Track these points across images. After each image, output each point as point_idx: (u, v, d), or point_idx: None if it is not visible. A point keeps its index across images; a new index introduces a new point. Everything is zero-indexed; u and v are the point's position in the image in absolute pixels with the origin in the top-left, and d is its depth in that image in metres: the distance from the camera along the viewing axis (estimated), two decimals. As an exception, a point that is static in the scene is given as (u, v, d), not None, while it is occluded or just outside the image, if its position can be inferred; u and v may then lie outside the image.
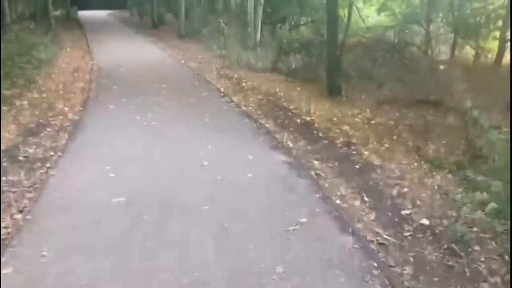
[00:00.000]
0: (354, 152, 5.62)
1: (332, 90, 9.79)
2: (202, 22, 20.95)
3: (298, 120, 7.06)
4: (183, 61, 12.92)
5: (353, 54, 11.42)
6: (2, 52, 9.77)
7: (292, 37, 19.18)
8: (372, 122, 7.55)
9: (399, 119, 7.44)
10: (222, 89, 9.02)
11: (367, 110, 8.32)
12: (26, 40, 11.83)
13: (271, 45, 16.70)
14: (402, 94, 8.96)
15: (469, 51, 12.58)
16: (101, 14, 32.04)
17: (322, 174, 4.71)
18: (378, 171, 4.86)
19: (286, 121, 6.91)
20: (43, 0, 24.32)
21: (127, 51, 14.69)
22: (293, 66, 13.18)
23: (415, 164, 5.33)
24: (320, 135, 6.32)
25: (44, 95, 7.78)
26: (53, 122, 6.13)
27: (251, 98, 8.43)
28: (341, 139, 6.16)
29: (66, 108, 6.93)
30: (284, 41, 13.14)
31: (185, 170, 4.56)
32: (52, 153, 4.89)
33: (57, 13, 27.57)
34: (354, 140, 6.21)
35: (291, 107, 8.10)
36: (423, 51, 12.22)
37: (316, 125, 6.88)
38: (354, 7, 18.70)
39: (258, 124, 6.38)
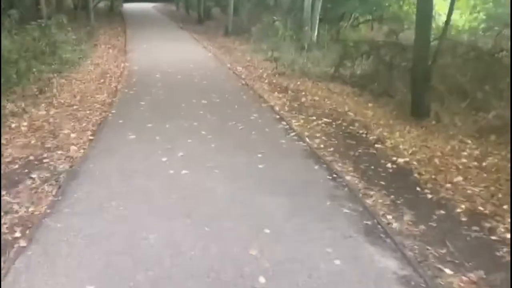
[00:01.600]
0: (494, 238, 3.50)
1: (418, 110, 7.61)
2: (251, 19, 19.04)
3: (388, 164, 4.96)
4: (228, 65, 11.03)
5: (441, 63, 9.10)
6: (17, 54, 8.26)
7: (357, 37, 17.00)
8: (484, 164, 5.35)
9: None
10: (276, 108, 7.04)
11: (469, 141, 6.15)
12: (54, 37, 10.30)
13: (329, 46, 14.61)
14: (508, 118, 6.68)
15: None
16: (146, 7, 30.84)
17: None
18: None
19: (372, 166, 4.83)
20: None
21: (167, 50, 12.99)
22: (358, 73, 11.07)
23: None
24: (429, 196, 4.21)
25: (52, 111, 6.09)
26: (45, 161, 4.37)
27: (315, 123, 6.41)
28: (462, 207, 4.04)
29: (72, 135, 5.18)
30: (350, 43, 10.94)
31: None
32: (16, 235, 3.07)
33: (101, 5, 26.52)
34: (481, 208, 4.08)
35: (371, 137, 6.02)
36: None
37: (415, 174, 4.77)
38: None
39: (333, 175, 4.33)
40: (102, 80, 8.29)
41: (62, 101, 6.67)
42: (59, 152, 4.61)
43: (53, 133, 5.23)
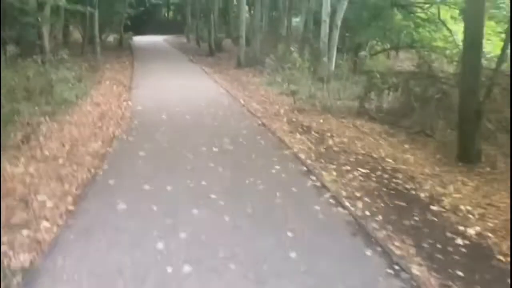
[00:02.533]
0: None
1: (467, 154, 6.44)
2: (264, 50, 18.19)
3: (458, 240, 3.74)
4: (242, 101, 9.98)
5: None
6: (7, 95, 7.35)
7: (377, 67, 15.98)
8: None
9: None
10: (301, 155, 5.89)
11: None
12: (50, 74, 9.42)
13: (348, 77, 13.58)
14: None
15: None
16: (157, 39, 30.39)
17: None
18: None
19: (438, 244, 3.61)
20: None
21: (176, 86, 12.03)
22: (385, 106, 9.98)
23: None
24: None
25: (32, 167, 5.01)
26: (2, 249, 3.23)
27: (350, 175, 5.24)
28: None
29: (48, 204, 4.07)
30: (375, 74, 9.86)
31: None
32: None
33: (110, 38, 26.10)
34: None
35: (422, 195, 4.84)
36: None
37: (497, 253, 3.55)
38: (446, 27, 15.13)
39: (394, 266, 3.11)
40: (99, 124, 7.25)
41: (48, 152, 5.60)
42: (25, 232, 3.48)
43: (25, 200, 4.12)
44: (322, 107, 9.77)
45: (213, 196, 4.23)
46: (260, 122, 7.87)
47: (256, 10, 18.57)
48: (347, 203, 4.28)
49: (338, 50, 14.67)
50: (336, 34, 14.08)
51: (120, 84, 11.95)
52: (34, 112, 7.63)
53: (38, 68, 9.78)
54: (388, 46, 19.15)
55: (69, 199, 4.18)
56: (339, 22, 13.99)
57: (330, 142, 6.85)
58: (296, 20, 22.72)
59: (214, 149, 5.91)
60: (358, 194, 4.63)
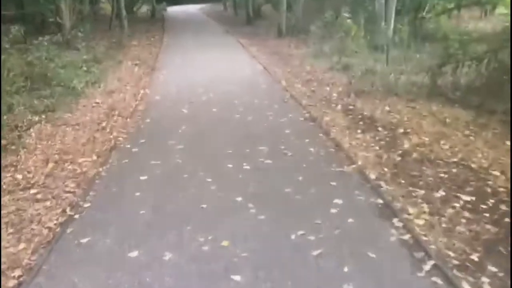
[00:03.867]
0: None
1: None
2: (308, 15, 16.03)
3: None
4: (284, 83, 8.15)
5: None
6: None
7: (440, 29, 13.57)
8: None
9: None
10: (371, 174, 4.08)
11: None
12: (53, 60, 8.00)
13: (409, 44, 11.40)
14: None
15: None
16: (192, 9, 28.66)
17: None
18: None
19: None
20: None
21: (206, 64, 10.33)
22: (462, 82, 7.91)
23: None
24: None
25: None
26: None
27: (451, 211, 3.42)
28: None
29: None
30: (454, 43, 7.72)
31: None
32: None
33: (144, 9, 24.62)
34: None
35: None
36: None
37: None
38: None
39: None
40: (103, 124, 5.72)
41: (21, 175, 4.14)
42: None
43: None
44: (384, 86, 7.79)
45: (237, 277, 2.54)
46: (307, 115, 6.06)
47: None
48: (465, 285, 2.49)
49: (396, 12, 12.36)
50: (395, -6, 11.75)
51: (143, 64, 10.41)
52: (31, 107, 6.24)
53: (45, 50, 8.35)
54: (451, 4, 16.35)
55: (16, 274, 2.64)
56: (398, -22, 11.64)
57: (406, 144, 4.97)
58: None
59: (245, 166, 4.21)
60: (475, 258, 2.82)
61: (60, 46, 9.66)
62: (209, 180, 3.89)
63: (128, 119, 5.84)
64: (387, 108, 6.54)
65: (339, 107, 6.65)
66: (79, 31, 10.34)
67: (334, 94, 7.41)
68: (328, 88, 7.85)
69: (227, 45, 13.36)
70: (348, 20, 9.58)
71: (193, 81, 8.31)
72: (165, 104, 6.68)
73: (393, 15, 11.98)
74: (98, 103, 6.88)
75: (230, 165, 4.21)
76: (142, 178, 3.98)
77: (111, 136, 5.17)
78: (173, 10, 27.12)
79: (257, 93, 7.30)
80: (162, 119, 5.86)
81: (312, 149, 4.72)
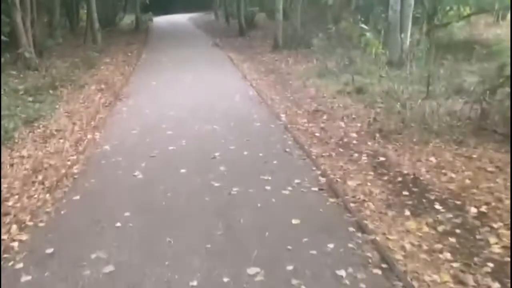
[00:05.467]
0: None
1: None
2: (307, 24, 14.13)
3: None
4: (283, 118, 6.16)
5: None
6: None
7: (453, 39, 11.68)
8: None
9: None
10: None
11: None
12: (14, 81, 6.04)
13: (428, 57, 9.45)
14: None
15: None
16: (181, 19, 26.69)
17: None
18: None
19: None
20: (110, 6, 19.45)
21: (184, 89, 8.36)
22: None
23: None
24: None
25: None
26: None
27: None
28: None
29: None
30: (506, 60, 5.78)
31: None
32: None
33: (128, 21, 22.71)
34: None
35: None
36: None
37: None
38: None
39: None
40: (8, 203, 3.66)
41: None
42: None
43: None
44: (415, 120, 5.81)
45: None
46: (322, 180, 4.03)
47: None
48: None
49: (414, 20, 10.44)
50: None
51: (109, 89, 8.41)
52: None
53: None
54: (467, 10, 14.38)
55: None
56: (415, -19, 9.71)
57: (493, 246, 2.95)
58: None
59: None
60: None
61: (18, 67, 7.69)
62: None
63: (48, 195, 3.79)
64: (432, 159, 4.58)
65: (364, 158, 4.66)
66: (43, 48, 8.33)
67: (353, 134, 5.43)
68: (342, 124, 5.88)
69: (214, 62, 11.37)
70: (368, 34, 7.54)
71: (163, 117, 6.30)
72: (113, 160, 4.64)
73: (410, 25, 10.05)
74: (23, 157, 4.85)
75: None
76: None
77: (4, 239, 3.11)
78: (160, 20, 25.20)
79: (248, 138, 5.28)
80: (98, 196, 3.80)
81: (341, 248, 2.69)
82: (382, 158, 4.65)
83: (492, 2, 12.79)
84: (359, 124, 5.82)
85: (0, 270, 2.60)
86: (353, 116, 6.19)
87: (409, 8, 9.79)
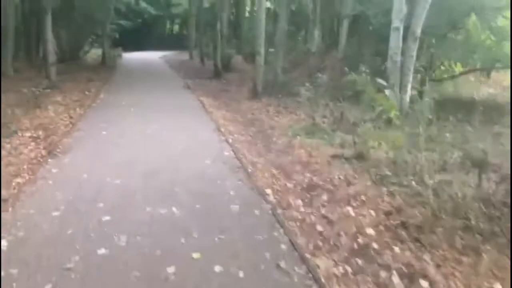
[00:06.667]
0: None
1: None
2: (289, 67, 12.89)
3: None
4: (270, 196, 4.52)
5: None
6: None
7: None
8: None
9: None
10: None
11: None
12: None
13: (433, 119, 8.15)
14: None
15: None
16: (153, 56, 25.24)
17: None
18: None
19: None
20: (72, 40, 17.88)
21: (139, 147, 6.61)
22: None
23: None
24: None
25: None
26: None
27: None
28: None
29: None
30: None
31: None
32: None
33: (95, 56, 21.10)
34: None
35: None
36: None
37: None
38: None
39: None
40: None
41: None
42: None
43: None
44: (444, 208, 4.28)
45: None
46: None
47: (280, 16, 13.18)
48: None
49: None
50: (413, 49, 8.63)
51: (45, 139, 6.64)
52: None
53: None
54: (462, 66, 13.41)
55: None
56: (418, 30, 8.55)
57: None
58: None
59: None
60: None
61: None
62: None
63: None
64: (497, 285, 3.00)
65: (396, 282, 3.03)
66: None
67: (369, 230, 3.86)
68: (351, 210, 4.32)
69: (183, 108, 9.77)
70: (387, 91, 6.08)
71: (103, 189, 4.56)
72: (2, 275, 2.84)
73: (411, 78, 8.83)
74: None
75: None
76: None
77: None
78: (131, 56, 23.70)
79: (221, 235, 3.58)
80: None
81: None
82: (423, 283, 3.05)
83: (483, 58, 11.83)
84: (372, 212, 4.26)
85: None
86: (362, 197, 4.64)
87: (411, 59, 8.60)
